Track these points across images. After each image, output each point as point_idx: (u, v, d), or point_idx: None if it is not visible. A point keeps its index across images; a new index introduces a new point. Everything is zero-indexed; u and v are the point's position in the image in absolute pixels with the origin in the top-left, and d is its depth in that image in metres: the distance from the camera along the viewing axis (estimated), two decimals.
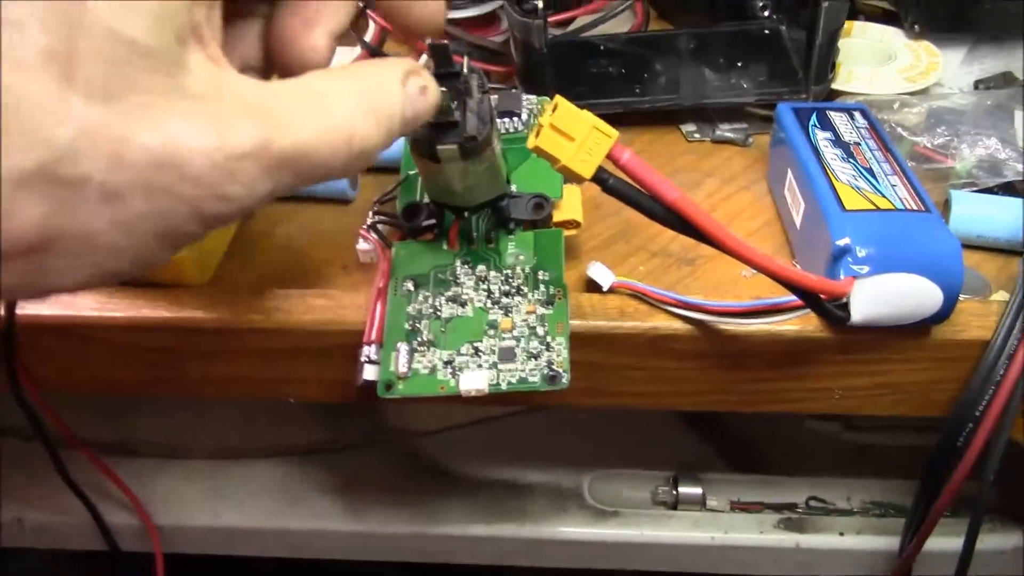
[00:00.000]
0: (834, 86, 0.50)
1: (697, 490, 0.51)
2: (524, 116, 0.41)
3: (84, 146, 0.19)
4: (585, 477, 0.53)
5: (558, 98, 0.28)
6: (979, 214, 0.42)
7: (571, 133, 0.28)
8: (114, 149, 0.20)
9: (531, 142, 0.28)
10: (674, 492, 0.51)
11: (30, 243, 0.20)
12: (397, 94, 0.26)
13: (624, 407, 0.41)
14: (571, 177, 0.29)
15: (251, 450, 0.55)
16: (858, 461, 0.52)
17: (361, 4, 0.29)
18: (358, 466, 0.53)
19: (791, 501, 0.51)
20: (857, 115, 0.44)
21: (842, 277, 0.35)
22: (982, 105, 0.49)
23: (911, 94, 0.50)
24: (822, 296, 0.34)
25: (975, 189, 0.45)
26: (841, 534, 0.49)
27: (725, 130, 0.51)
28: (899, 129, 0.47)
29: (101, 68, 0.19)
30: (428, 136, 0.31)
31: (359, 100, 0.24)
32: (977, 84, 0.52)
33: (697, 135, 0.51)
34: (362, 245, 0.39)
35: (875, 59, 0.54)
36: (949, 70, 0.54)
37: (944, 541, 0.46)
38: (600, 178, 0.29)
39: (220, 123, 0.21)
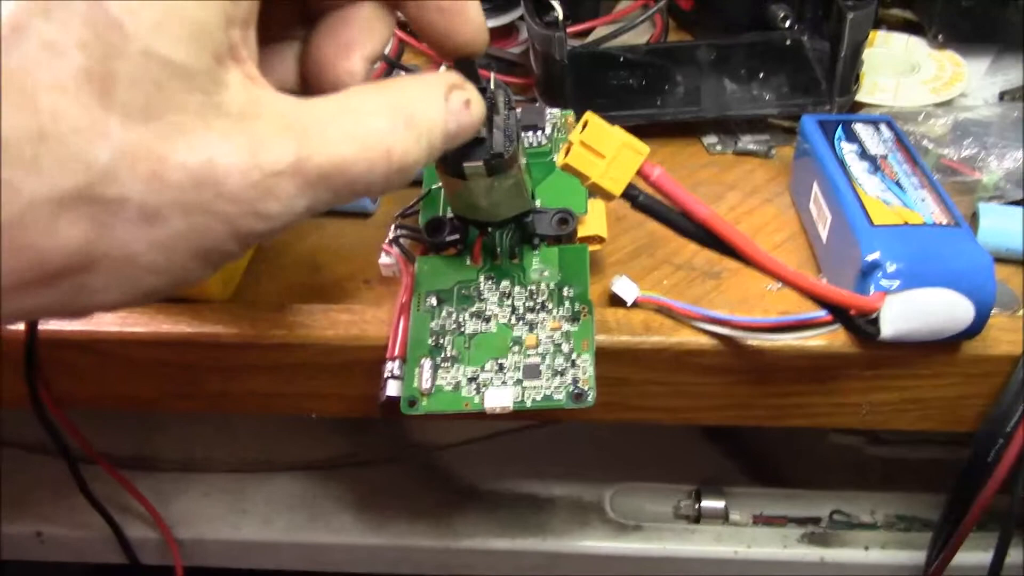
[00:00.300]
0: (858, 98, 0.50)
1: (720, 504, 0.50)
2: (547, 130, 0.41)
3: (122, 167, 0.19)
4: (607, 491, 0.53)
5: (589, 114, 0.28)
6: (1007, 227, 0.42)
7: (601, 150, 0.27)
8: (152, 169, 0.20)
9: (560, 160, 0.28)
10: (696, 506, 0.51)
11: (70, 264, 0.20)
12: (439, 108, 0.26)
13: (647, 422, 0.40)
14: (601, 194, 0.28)
15: (272, 464, 0.54)
16: (882, 475, 0.52)
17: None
18: (378, 480, 0.53)
19: (815, 515, 0.50)
20: (883, 127, 0.43)
21: (872, 292, 0.34)
22: (1008, 117, 0.48)
23: (936, 105, 0.50)
24: (852, 311, 0.34)
25: (1003, 202, 0.44)
26: (866, 548, 0.49)
27: (747, 142, 0.50)
28: (925, 141, 0.46)
29: (138, 88, 0.19)
30: (454, 153, 0.31)
31: (397, 114, 0.24)
32: (1002, 95, 0.52)
33: (719, 147, 0.50)
34: (384, 259, 0.39)
35: (899, 70, 0.53)
36: (973, 80, 0.53)
37: (972, 555, 0.45)
38: (630, 195, 0.28)
39: (257, 140, 0.21)
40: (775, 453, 0.54)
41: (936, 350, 0.36)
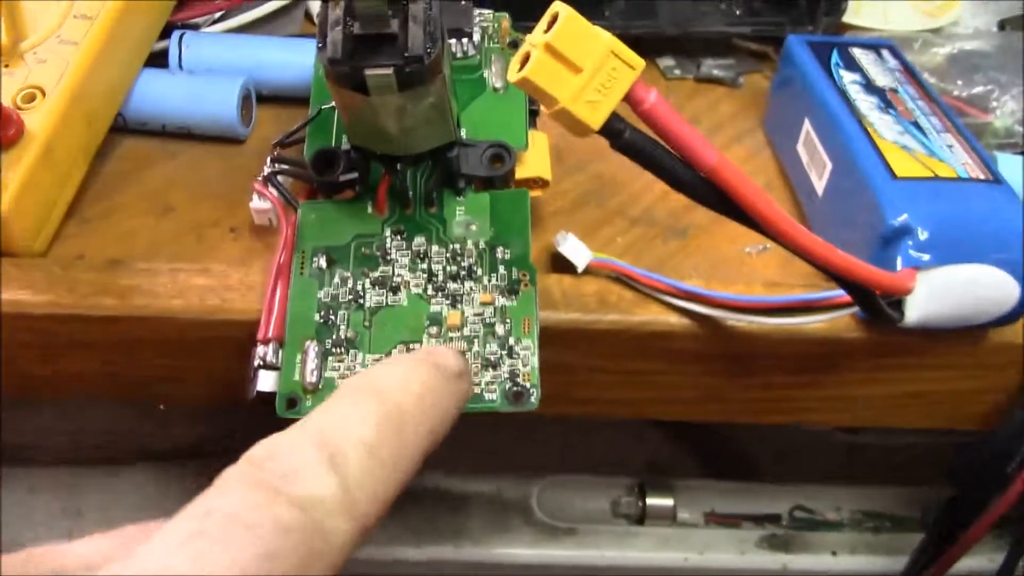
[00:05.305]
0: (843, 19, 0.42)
1: (667, 501, 0.44)
2: (476, 37, 0.32)
3: None
4: (533, 486, 0.46)
5: (559, 5, 0.18)
6: None
7: (577, 61, 0.18)
8: None
9: (514, 73, 0.19)
10: (640, 503, 0.44)
11: None
12: None
13: (598, 416, 0.33)
14: (571, 127, 0.19)
15: (116, 453, 0.45)
16: (848, 464, 0.46)
17: None
18: None
19: (774, 512, 0.44)
20: (886, 53, 0.36)
21: (899, 266, 0.27)
22: (1010, 49, 0.42)
23: (930, 32, 0.43)
24: (878, 292, 0.26)
25: (1017, 151, 0.37)
26: (833, 553, 0.43)
27: (710, 67, 0.43)
28: (925, 74, 0.39)
29: None
30: (352, 55, 0.23)
31: None
32: (1002, 24, 0.45)
33: (677, 71, 0.43)
34: (257, 203, 0.31)
35: None
36: (967, 6, 0.46)
37: (966, 562, 0.39)
38: (614, 129, 0.19)
39: None
40: (728, 438, 0.48)
41: (957, 338, 0.30)
